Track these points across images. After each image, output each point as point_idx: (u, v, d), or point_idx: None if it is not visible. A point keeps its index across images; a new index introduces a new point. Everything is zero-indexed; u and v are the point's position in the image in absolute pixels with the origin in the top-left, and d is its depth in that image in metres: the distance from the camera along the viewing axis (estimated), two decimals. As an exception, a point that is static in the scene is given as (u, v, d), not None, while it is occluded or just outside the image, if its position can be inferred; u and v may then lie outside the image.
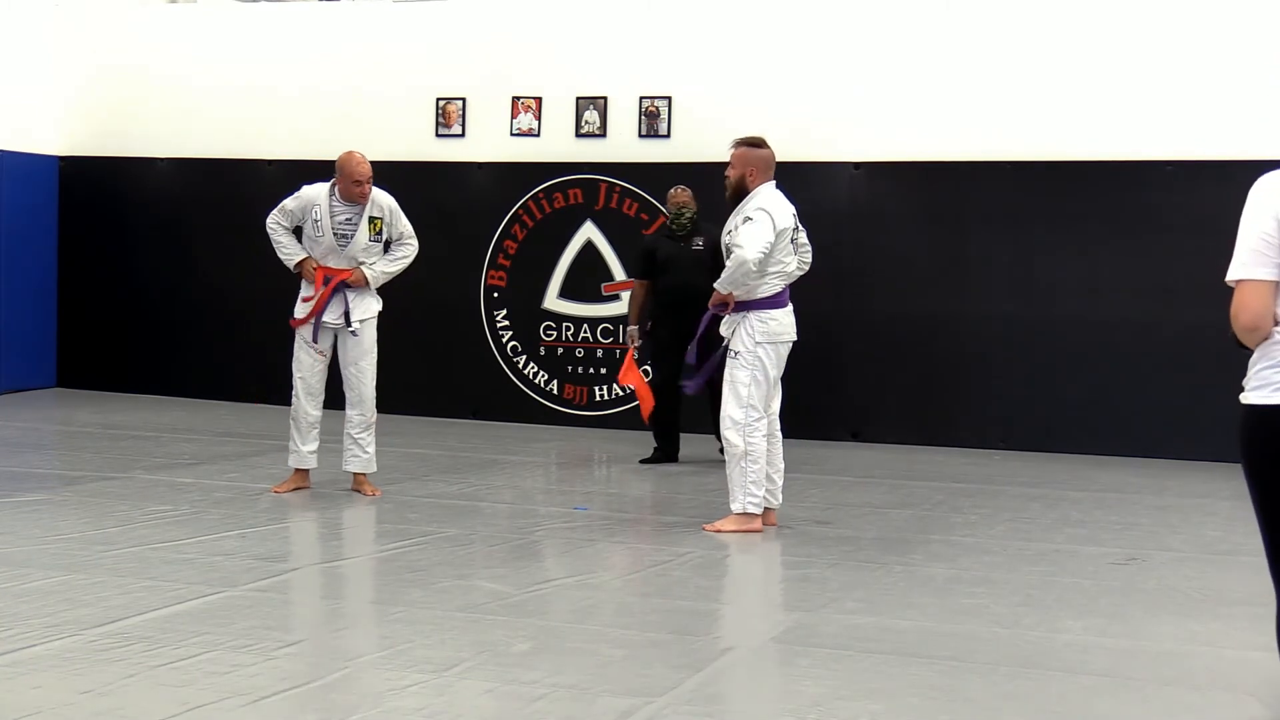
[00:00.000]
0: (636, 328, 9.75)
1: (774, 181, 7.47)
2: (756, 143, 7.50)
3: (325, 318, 8.07)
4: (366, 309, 8.10)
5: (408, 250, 8.20)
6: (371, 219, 8.04)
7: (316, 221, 8.04)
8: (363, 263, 8.06)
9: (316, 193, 8.09)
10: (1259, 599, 3.85)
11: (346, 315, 8.05)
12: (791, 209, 7.48)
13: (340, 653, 5.08)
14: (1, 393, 12.37)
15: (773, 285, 7.39)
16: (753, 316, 7.37)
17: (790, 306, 7.53)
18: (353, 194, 7.98)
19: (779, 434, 7.56)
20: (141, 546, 6.55)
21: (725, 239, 7.49)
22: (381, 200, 8.10)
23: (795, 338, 7.54)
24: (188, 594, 5.67)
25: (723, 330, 7.54)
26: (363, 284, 8.05)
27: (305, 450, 8.16)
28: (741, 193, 7.42)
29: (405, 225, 8.19)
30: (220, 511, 7.50)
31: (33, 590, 5.66)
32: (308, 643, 5.13)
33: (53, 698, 4.36)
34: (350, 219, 8.03)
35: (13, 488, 8.01)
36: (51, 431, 10.84)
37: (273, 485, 8.23)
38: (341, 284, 8.03)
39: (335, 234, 8.02)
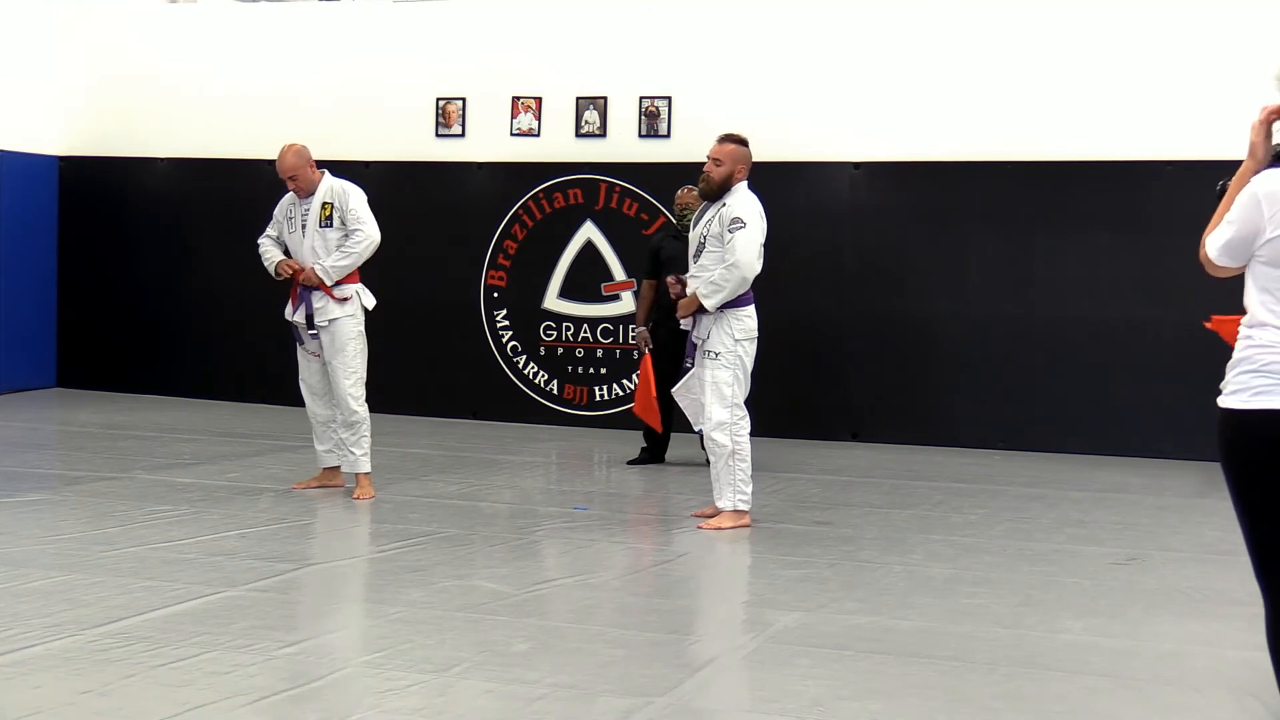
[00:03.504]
0: (645, 329, 9.65)
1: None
2: (744, 141, 7.51)
3: (293, 318, 8.09)
4: (329, 310, 7.97)
5: (358, 238, 7.92)
6: (323, 204, 7.97)
7: (290, 219, 8.09)
8: (318, 261, 7.96)
9: (289, 193, 8.14)
10: (1258, 599, 3.84)
11: (310, 317, 8.01)
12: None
13: (340, 653, 5.09)
14: (1, 393, 12.37)
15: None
16: (729, 316, 7.38)
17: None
18: (291, 189, 8.03)
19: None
20: (141, 546, 6.55)
21: (703, 230, 7.47)
22: (335, 186, 8.01)
23: None
24: (188, 594, 5.67)
25: (693, 331, 7.52)
26: (314, 281, 7.94)
27: (320, 449, 8.22)
28: (724, 189, 7.42)
29: (358, 212, 7.94)
30: (220, 511, 7.50)
31: (33, 590, 5.66)
32: (308, 643, 5.12)
33: (53, 698, 4.37)
34: (308, 209, 8.02)
35: (13, 488, 8.01)
36: (51, 431, 10.84)
37: (272, 484, 8.25)
38: (303, 285, 7.99)
39: (301, 226, 8.02)
